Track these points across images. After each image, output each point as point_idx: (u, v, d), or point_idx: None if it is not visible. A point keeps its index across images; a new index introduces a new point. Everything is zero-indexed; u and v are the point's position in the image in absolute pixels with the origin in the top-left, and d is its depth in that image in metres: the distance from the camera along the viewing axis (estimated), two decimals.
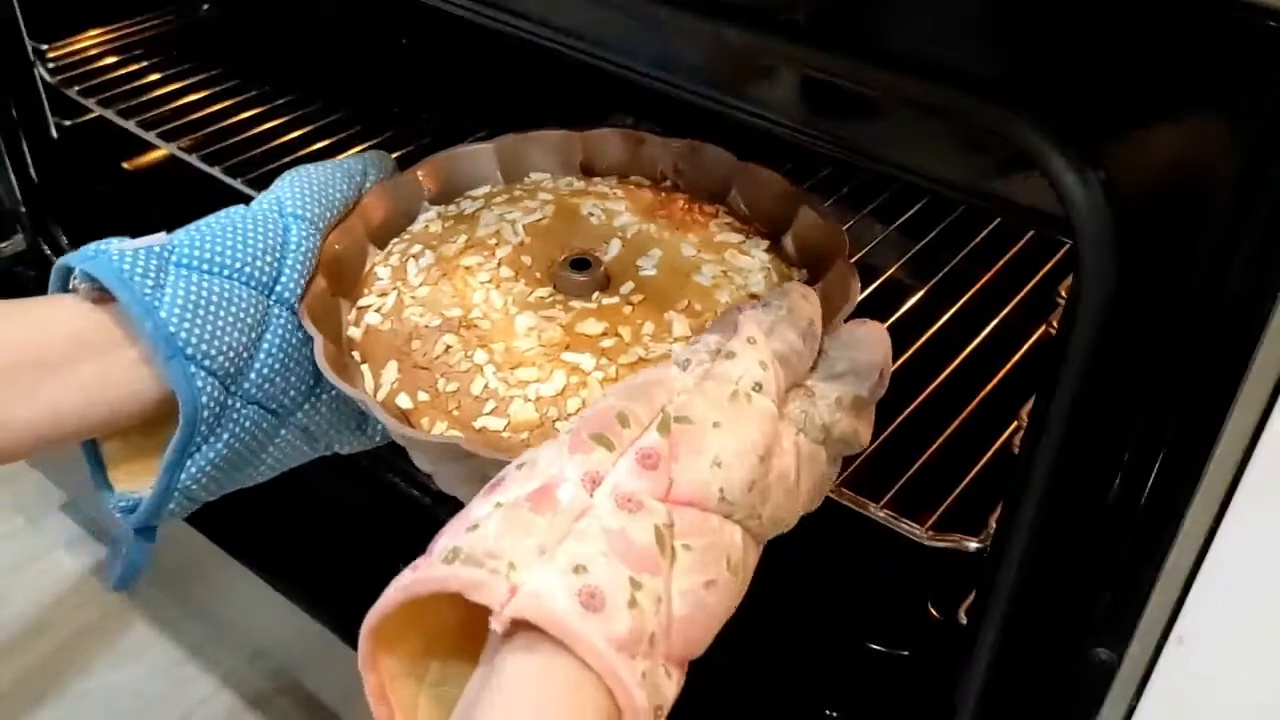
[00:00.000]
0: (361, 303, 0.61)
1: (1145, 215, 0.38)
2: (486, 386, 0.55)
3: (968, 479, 0.64)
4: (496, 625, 0.37)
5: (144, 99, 0.99)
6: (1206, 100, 0.35)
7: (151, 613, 1.04)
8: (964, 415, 0.68)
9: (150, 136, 0.94)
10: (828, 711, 0.66)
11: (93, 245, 0.54)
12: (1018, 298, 0.78)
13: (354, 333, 0.60)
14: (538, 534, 0.39)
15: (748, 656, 0.68)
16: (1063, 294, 0.57)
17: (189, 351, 0.52)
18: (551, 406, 0.54)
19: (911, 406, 0.69)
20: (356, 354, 0.59)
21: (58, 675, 0.98)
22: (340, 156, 0.91)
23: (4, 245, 0.99)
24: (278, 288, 0.57)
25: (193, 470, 0.54)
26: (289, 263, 0.57)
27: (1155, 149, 0.37)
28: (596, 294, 0.59)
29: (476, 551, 0.39)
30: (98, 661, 1.00)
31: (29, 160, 0.98)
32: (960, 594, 0.64)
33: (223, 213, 0.59)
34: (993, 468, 0.65)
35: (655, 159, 0.71)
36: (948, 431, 0.67)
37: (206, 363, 0.53)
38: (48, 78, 0.98)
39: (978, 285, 0.79)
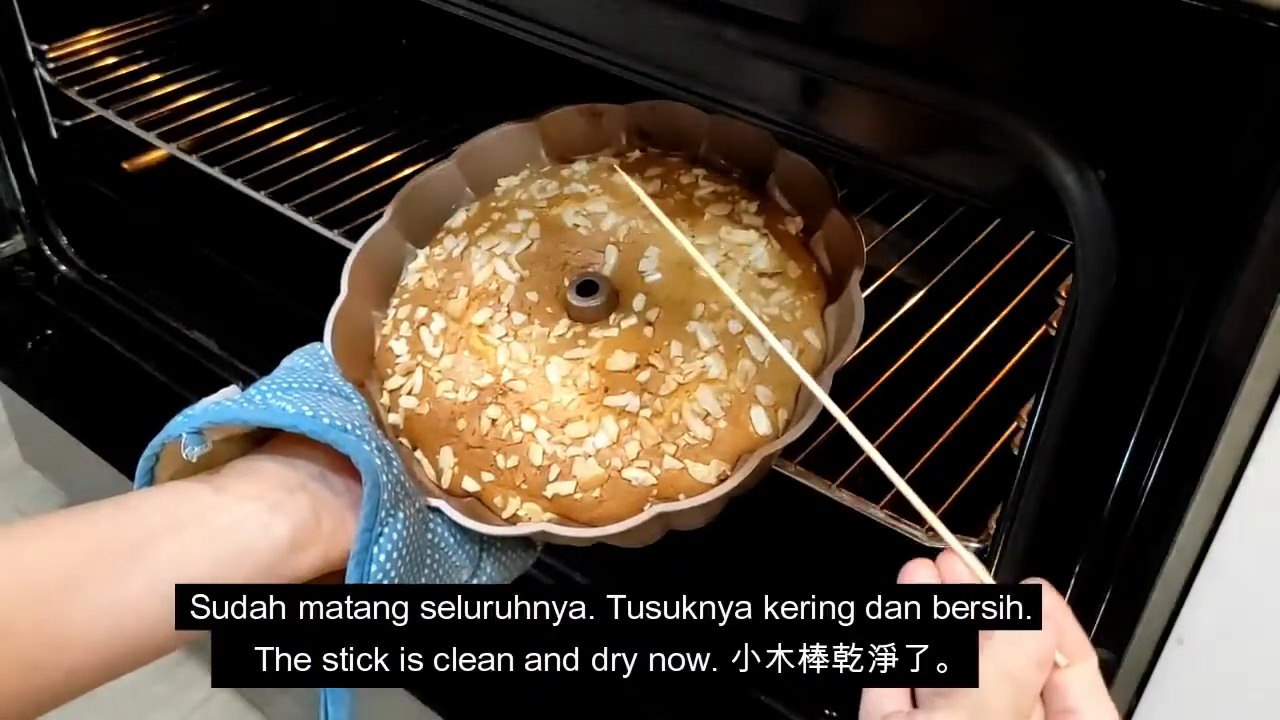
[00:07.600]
0: (390, 385, 0.59)
1: (1145, 216, 0.38)
2: (544, 453, 0.54)
3: (968, 479, 0.64)
4: None
5: (144, 99, 0.99)
6: (1206, 100, 0.35)
7: None
8: (964, 415, 0.68)
9: (150, 137, 0.94)
10: (827, 711, 0.66)
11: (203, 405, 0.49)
12: (1018, 298, 0.78)
13: (394, 419, 0.59)
14: None
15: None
16: (1063, 294, 0.57)
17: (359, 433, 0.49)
18: (613, 457, 0.53)
19: (912, 407, 0.69)
20: (405, 440, 0.58)
21: None
22: (339, 157, 0.91)
23: (4, 245, 0.99)
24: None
25: (380, 558, 0.49)
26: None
27: (1155, 149, 0.37)
28: (613, 315, 0.58)
29: None
30: None
31: (29, 160, 0.98)
32: None
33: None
34: (993, 468, 0.65)
35: (617, 128, 0.68)
36: (948, 432, 0.67)
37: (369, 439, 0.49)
38: (48, 78, 0.98)
39: (978, 285, 0.79)
